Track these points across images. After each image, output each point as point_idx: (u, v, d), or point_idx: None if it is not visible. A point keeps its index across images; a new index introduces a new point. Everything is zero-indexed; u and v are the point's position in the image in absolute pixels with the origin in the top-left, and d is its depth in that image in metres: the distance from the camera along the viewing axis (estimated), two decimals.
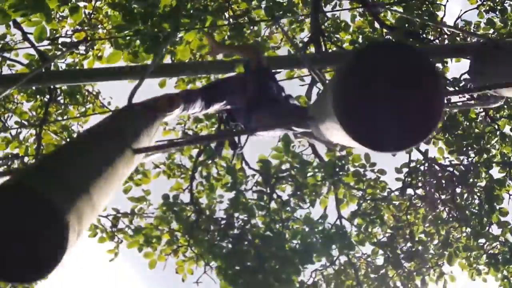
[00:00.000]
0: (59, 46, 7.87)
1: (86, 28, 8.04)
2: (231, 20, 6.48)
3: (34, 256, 1.34)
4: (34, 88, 8.30)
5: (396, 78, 1.51)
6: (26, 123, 8.74)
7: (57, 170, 1.52)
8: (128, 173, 2.11)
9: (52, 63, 8.00)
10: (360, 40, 7.53)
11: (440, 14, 7.26)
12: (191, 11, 6.43)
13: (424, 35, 7.17)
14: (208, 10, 6.22)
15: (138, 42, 6.80)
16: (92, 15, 8.04)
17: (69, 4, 6.61)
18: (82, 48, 7.83)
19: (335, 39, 7.66)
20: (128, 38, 6.73)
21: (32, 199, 1.32)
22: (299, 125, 3.66)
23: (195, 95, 3.75)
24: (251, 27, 6.60)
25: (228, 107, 4.03)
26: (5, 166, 8.15)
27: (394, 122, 1.51)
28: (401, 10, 6.90)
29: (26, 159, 8.45)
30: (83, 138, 2.22)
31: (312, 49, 7.40)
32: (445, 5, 7.06)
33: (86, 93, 8.41)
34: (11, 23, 8.27)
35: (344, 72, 1.51)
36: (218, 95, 3.90)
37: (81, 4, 6.62)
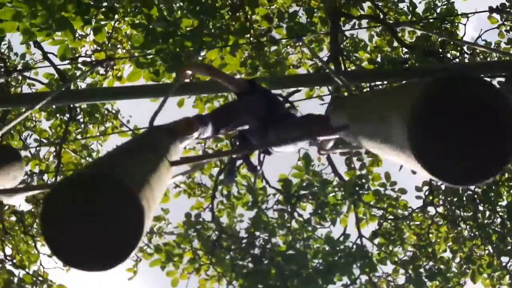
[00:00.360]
0: (79, 65, 7.96)
1: (105, 48, 8.12)
2: (252, 39, 6.52)
3: (110, 243, 1.38)
4: (54, 106, 8.37)
5: (472, 112, 1.51)
6: (45, 141, 8.81)
7: (121, 165, 1.60)
8: (167, 183, 2.17)
9: (72, 83, 8.07)
10: (378, 59, 7.56)
11: (459, 34, 7.29)
12: (213, 30, 6.49)
13: (443, 54, 7.18)
14: (230, 29, 6.27)
15: (159, 61, 6.87)
16: (112, 35, 8.12)
17: (92, 24, 6.68)
18: (102, 68, 7.90)
19: (354, 58, 7.69)
20: (150, 57, 6.79)
21: (112, 187, 1.38)
22: (325, 133, 3.65)
23: (206, 120, 3.77)
24: (272, 46, 6.65)
25: (239, 129, 4.04)
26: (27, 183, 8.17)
27: (469, 155, 1.51)
28: (419, 29, 6.94)
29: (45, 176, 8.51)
30: (127, 147, 2.29)
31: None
32: (465, 24, 7.09)
33: (106, 112, 8.46)
34: (31, 42, 8.40)
35: (421, 104, 1.50)
36: (226, 118, 3.90)
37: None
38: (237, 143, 4.27)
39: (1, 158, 4.19)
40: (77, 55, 8.46)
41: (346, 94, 7.28)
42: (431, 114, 1.48)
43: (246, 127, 4.05)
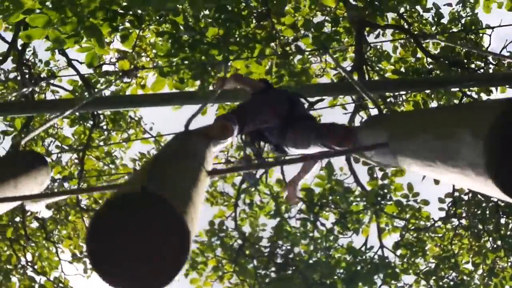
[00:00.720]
0: (104, 73, 8.05)
1: (129, 56, 8.19)
2: (278, 48, 6.56)
3: (155, 264, 1.36)
4: (77, 114, 8.45)
5: None
6: (67, 147, 8.88)
7: (167, 181, 1.60)
8: (204, 193, 2.18)
9: (96, 89, 8.15)
10: (402, 69, 7.57)
11: (484, 44, 7.29)
12: (238, 39, 6.54)
13: (468, 65, 7.18)
14: (257, 38, 6.31)
15: (184, 69, 6.91)
16: (136, 43, 8.20)
17: (120, 31, 6.75)
18: (127, 78, 7.98)
19: (378, 68, 7.71)
20: (175, 65, 6.85)
21: (157, 206, 1.36)
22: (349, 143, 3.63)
23: (233, 119, 3.72)
24: (297, 56, 6.68)
25: (260, 127, 3.98)
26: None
27: None
28: (443, 41, 6.96)
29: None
30: (168, 155, 2.30)
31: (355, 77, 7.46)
32: (490, 35, 7.09)
33: (129, 119, 8.53)
34: (55, 49, 8.51)
35: (499, 121, 1.51)
36: (249, 117, 3.84)
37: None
38: (250, 139, 4.22)
39: (29, 163, 4.24)
40: (101, 62, 8.55)
41: (372, 106, 7.31)
42: (509, 133, 1.49)
43: (266, 125, 4.03)
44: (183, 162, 2.16)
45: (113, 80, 7.02)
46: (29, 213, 8.36)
